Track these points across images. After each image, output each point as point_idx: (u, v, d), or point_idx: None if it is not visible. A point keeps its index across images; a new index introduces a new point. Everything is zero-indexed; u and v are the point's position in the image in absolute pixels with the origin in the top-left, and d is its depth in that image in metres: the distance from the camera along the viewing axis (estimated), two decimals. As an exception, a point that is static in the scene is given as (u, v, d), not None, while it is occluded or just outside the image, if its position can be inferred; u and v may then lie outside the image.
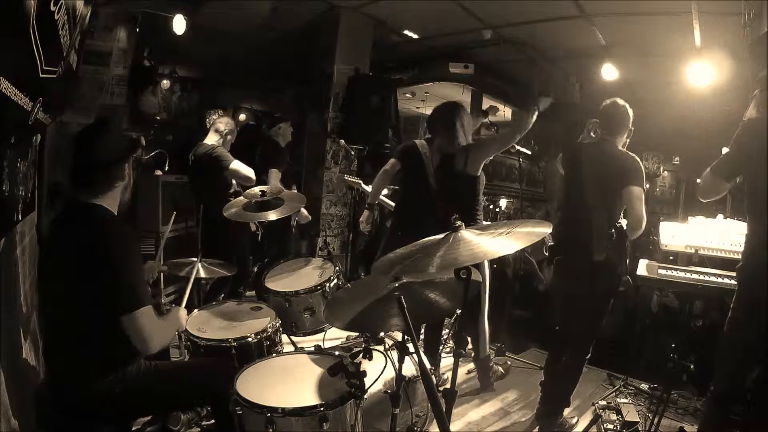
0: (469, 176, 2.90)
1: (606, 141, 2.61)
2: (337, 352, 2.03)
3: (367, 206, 3.49)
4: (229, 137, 3.66)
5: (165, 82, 7.02)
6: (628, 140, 2.66)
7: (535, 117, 2.87)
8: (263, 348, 2.16)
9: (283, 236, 4.14)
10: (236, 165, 3.49)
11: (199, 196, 3.74)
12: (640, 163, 2.51)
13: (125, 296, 1.53)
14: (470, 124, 3.05)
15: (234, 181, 3.64)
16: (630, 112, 2.63)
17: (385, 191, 3.94)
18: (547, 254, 2.85)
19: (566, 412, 2.77)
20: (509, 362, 3.41)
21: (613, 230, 2.49)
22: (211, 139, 3.61)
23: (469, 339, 3.30)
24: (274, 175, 3.79)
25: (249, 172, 3.53)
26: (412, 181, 3.30)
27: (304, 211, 3.92)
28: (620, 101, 2.64)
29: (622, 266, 2.53)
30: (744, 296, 2.10)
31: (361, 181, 4.25)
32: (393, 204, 3.77)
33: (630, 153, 2.57)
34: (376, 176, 3.49)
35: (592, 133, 2.73)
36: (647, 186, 2.60)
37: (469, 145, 2.95)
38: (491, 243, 1.37)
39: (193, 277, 2.30)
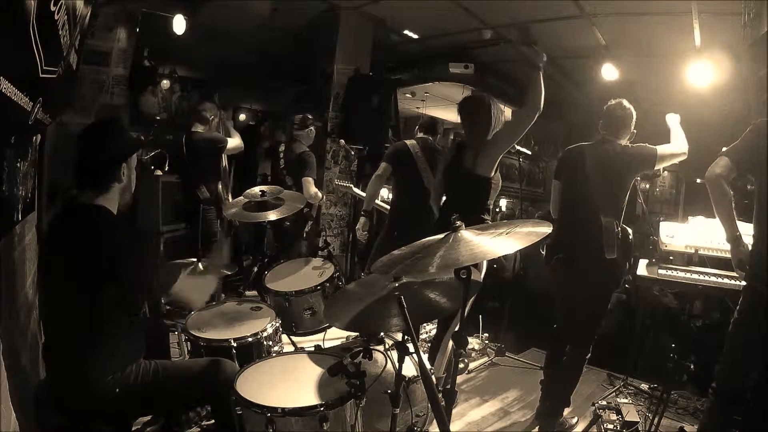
0: (480, 177, 2.55)
1: (609, 141, 2.60)
2: (337, 352, 2.03)
3: (363, 213, 3.48)
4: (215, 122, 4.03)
5: (165, 82, 7.01)
6: (629, 143, 2.66)
7: (541, 82, 2.38)
8: (263, 348, 2.17)
9: (294, 241, 4.15)
10: (230, 142, 3.91)
11: (194, 191, 3.83)
12: (644, 145, 2.59)
13: (140, 295, 1.65)
14: (501, 120, 2.65)
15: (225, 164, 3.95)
16: (634, 114, 2.63)
17: (384, 191, 3.95)
18: (544, 253, 2.83)
19: (566, 412, 2.77)
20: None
21: (618, 229, 2.50)
22: (202, 127, 3.90)
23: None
24: (310, 182, 3.70)
25: (238, 141, 4.05)
26: (405, 181, 3.30)
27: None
28: (626, 103, 2.63)
29: (626, 266, 2.53)
30: (748, 297, 2.11)
31: (351, 185, 4.24)
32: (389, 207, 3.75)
33: (635, 144, 2.62)
34: (370, 182, 3.47)
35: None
36: (647, 186, 2.62)
37: (483, 142, 2.58)
38: (491, 243, 1.37)
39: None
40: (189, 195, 3.86)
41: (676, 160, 2.62)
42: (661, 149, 2.55)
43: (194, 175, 3.83)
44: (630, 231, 2.58)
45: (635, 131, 2.65)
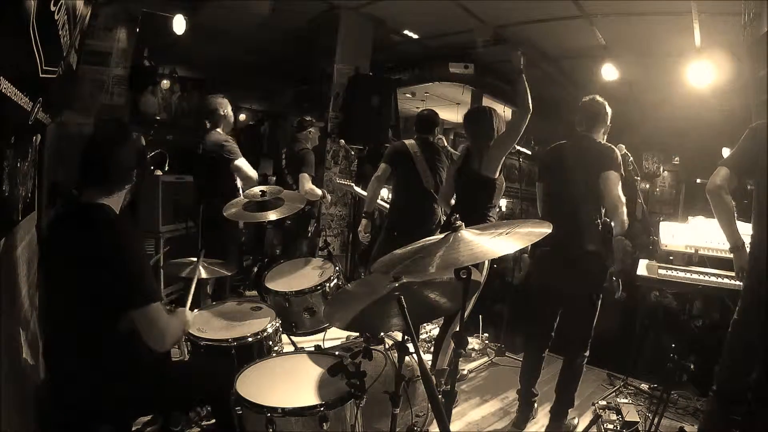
0: (486, 178, 2.76)
1: (585, 137, 2.64)
2: (337, 352, 2.03)
3: (365, 215, 3.48)
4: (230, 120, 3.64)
5: (165, 82, 7.03)
6: (605, 135, 2.69)
7: (525, 85, 2.61)
8: (263, 348, 2.17)
9: (298, 239, 4.15)
10: (241, 162, 3.42)
11: (201, 190, 3.64)
12: (617, 151, 2.54)
13: (136, 292, 1.53)
14: (501, 126, 2.89)
15: (238, 180, 3.56)
16: (608, 109, 2.66)
17: (384, 191, 3.95)
18: (528, 247, 2.82)
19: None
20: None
21: (599, 221, 2.52)
22: (221, 129, 3.52)
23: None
24: (306, 179, 3.76)
25: (252, 172, 3.48)
26: (405, 182, 3.30)
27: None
28: (599, 98, 2.67)
29: (609, 259, 2.53)
30: (748, 298, 2.11)
31: (352, 184, 4.26)
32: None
33: (606, 143, 2.61)
34: (369, 184, 3.48)
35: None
36: (647, 186, 2.61)
37: (486, 147, 2.80)
38: (491, 243, 1.37)
39: (196, 277, 2.29)
40: (199, 195, 3.70)
41: (616, 214, 2.43)
42: (614, 184, 2.43)
43: (208, 182, 3.52)
44: (612, 224, 2.58)
45: (610, 125, 2.68)
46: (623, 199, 2.43)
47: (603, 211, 2.54)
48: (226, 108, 3.56)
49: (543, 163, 2.85)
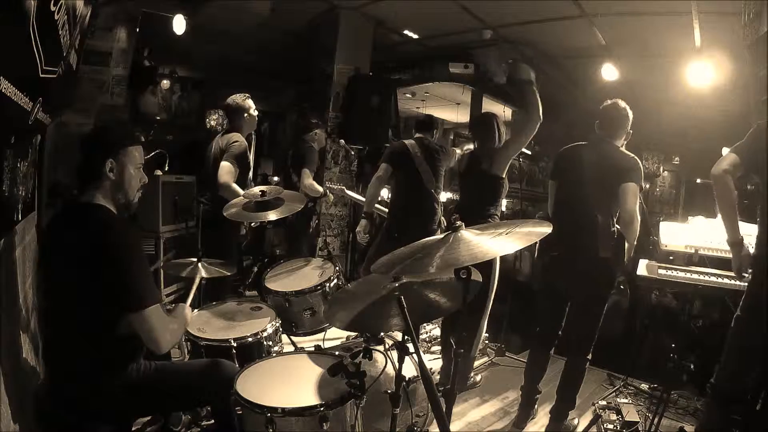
0: (495, 177, 2.99)
1: (605, 142, 2.59)
2: (337, 352, 2.03)
3: (365, 215, 3.48)
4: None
5: (165, 82, 7.01)
6: (625, 142, 2.65)
7: (537, 96, 2.86)
8: (263, 348, 2.17)
9: (300, 235, 4.17)
10: (224, 164, 3.07)
11: (202, 190, 3.54)
12: (640, 163, 2.50)
13: (132, 294, 1.52)
14: (505, 131, 3.19)
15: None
16: (630, 115, 2.61)
17: (384, 191, 3.96)
18: (536, 249, 2.83)
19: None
20: (479, 377, 3.43)
21: (614, 229, 2.50)
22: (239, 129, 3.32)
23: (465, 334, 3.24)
24: (306, 174, 3.86)
25: (223, 179, 3.03)
26: (406, 182, 3.31)
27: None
28: (622, 103, 2.61)
29: (620, 266, 2.52)
30: (750, 298, 2.11)
31: (344, 187, 4.30)
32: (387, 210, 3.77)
33: (629, 153, 2.56)
34: (370, 184, 3.49)
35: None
36: (647, 186, 2.61)
37: (495, 148, 3.05)
38: (491, 243, 1.37)
39: (198, 277, 2.30)
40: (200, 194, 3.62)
41: (630, 227, 2.43)
42: (634, 197, 2.41)
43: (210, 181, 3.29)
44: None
45: (631, 131, 2.64)
46: (638, 215, 2.42)
47: (614, 219, 2.51)
48: (252, 109, 3.39)
49: (558, 161, 2.81)
